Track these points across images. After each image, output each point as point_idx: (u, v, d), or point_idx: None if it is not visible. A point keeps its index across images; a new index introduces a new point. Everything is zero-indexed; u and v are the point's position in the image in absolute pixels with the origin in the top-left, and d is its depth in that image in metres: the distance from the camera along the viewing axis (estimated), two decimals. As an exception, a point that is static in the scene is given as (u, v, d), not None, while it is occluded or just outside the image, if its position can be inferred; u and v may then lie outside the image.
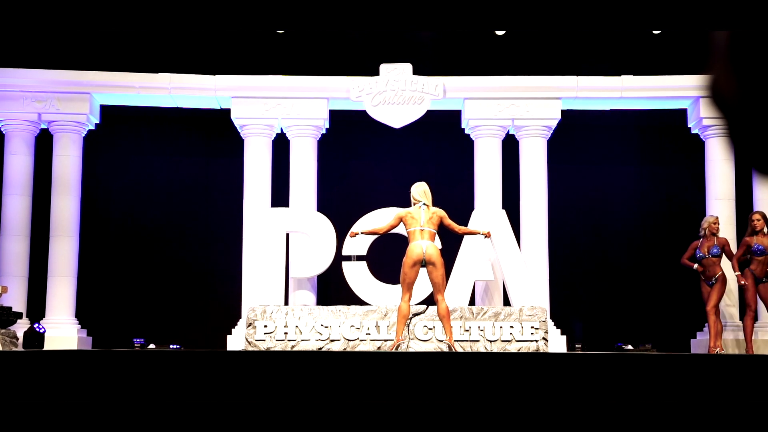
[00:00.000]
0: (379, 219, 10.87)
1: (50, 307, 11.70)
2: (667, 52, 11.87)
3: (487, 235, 9.56)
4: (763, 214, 10.62)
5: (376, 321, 10.03)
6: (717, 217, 10.93)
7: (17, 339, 10.19)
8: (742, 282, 10.40)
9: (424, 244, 8.97)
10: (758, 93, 1.52)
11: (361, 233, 9.60)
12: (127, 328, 12.21)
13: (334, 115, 12.24)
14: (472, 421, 4.28)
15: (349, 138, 12.94)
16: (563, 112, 12.03)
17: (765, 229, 10.50)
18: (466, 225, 10.99)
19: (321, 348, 9.95)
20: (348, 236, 9.87)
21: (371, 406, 4.28)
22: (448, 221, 9.22)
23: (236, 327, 11.36)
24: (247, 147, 12.11)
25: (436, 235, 9.22)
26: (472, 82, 11.95)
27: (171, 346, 11.12)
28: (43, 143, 12.11)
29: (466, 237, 10.97)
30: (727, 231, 11.12)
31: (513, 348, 9.91)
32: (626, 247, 12.98)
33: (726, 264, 10.74)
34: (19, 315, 10.56)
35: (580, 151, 13.04)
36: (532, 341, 9.95)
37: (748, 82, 1.54)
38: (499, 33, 11.90)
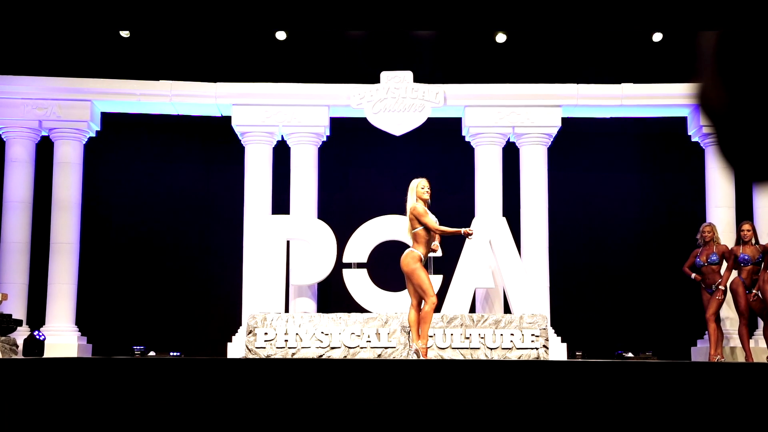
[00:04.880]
0: (383, 225, 10.90)
1: (50, 314, 11.69)
2: (667, 60, 11.88)
3: (434, 244, 8.69)
4: (752, 225, 10.66)
5: (377, 328, 10.02)
6: (711, 224, 10.91)
7: (17, 346, 10.18)
8: (720, 297, 10.50)
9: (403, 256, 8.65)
10: (747, 101, 1.53)
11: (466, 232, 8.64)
12: (128, 336, 12.21)
13: (335, 122, 12.26)
14: (473, 428, 4.28)
15: (349, 145, 12.95)
16: (563, 119, 12.04)
17: (753, 240, 10.53)
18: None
19: (321, 355, 9.94)
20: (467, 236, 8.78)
21: (372, 413, 4.28)
22: (425, 220, 8.56)
23: (236, 334, 11.36)
24: (248, 154, 12.12)
25: (416, 237, 8.58)
26: (473, 90, 11.96)
27: (171, 354, 11.11)
28: (44, 150, 12.11)
29: (466, 244, 10.95)
30: (727, 239, 11.11)
31: (513, 355, 9.90)
32: (626, 255, 12.98)
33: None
34: (19, 322, 10.55)
35: (580, 158, 13.05)
36: (532, 349, 9.94)
37: (737, 90, 1.54)
38: (500, 40, 11.92)
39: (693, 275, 10.73)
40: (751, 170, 1.57)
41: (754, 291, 10.33)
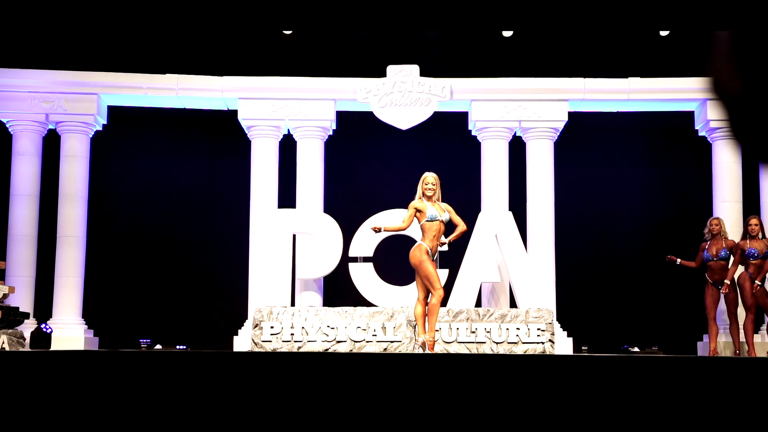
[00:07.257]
0: (389, 219, 10.93)
1: (57, 307, 11.72)
2: (674, 54, 11.85)
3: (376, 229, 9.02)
4: (759, 219, 10.64)
5: (383, 322, 10.03)
6: (719, 218, 10.88)
7: (24, 339, 10.21)
8: (725, 291, 10.47)
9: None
10: (762, 90, 1.52)
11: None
12: (134, 329, 12.23)
13: (341, 116, 12.25)
14: (479, 422, 4.29)
15: (355, 139, 12.94)
16: (570, 113, 12.02)
17: (760, 234, 10.51)
18: (472, 227, 10.95)
19: (327, 349, 9.95)
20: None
21: (377, 407, 4.29)
22: (403, 218, 9.10)
23: (243, 328, 11.38)
24: (254, 148, 12.12)
25: (423, 230, 8.88)
26: (479, 84, 11.95)
27: (177, 347, 11.14)
28: (51, 144, 12.14)
29: (473, 237, 10.96)
30: (734, 234, 11.09)
31: (519, 350, 9.90)
32: (633, 249, 12.96)
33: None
34: (26, 315, 10.58)
35: (586, 153, 13.02)
36: (538, 343, 9.94)
37: (752, 79, 1.54)
38: (507, 34, 11.90)
39: (678, 260, 10.84)
40: (765, 157, 1.57)
41: (757, 282, 10.32)
